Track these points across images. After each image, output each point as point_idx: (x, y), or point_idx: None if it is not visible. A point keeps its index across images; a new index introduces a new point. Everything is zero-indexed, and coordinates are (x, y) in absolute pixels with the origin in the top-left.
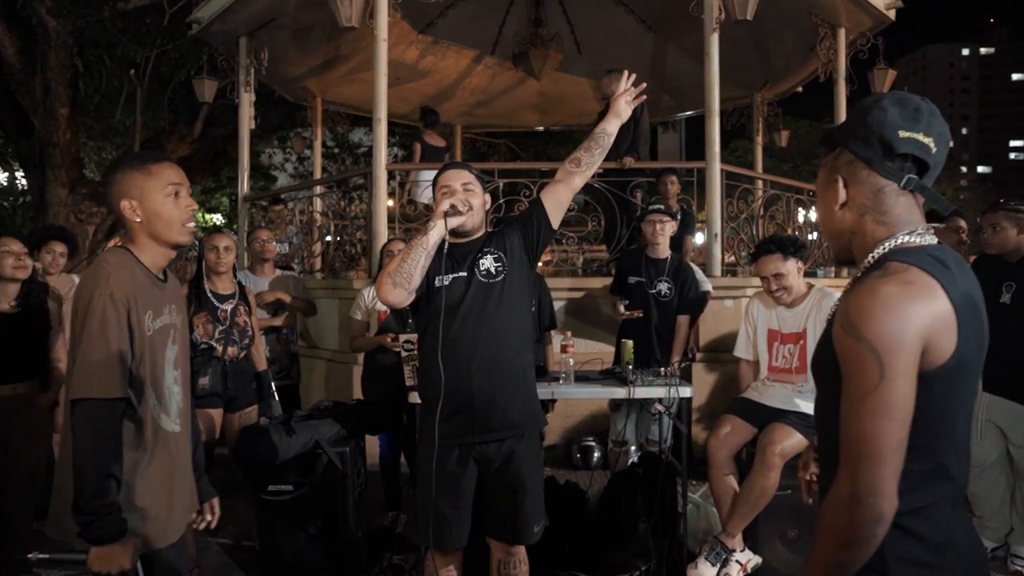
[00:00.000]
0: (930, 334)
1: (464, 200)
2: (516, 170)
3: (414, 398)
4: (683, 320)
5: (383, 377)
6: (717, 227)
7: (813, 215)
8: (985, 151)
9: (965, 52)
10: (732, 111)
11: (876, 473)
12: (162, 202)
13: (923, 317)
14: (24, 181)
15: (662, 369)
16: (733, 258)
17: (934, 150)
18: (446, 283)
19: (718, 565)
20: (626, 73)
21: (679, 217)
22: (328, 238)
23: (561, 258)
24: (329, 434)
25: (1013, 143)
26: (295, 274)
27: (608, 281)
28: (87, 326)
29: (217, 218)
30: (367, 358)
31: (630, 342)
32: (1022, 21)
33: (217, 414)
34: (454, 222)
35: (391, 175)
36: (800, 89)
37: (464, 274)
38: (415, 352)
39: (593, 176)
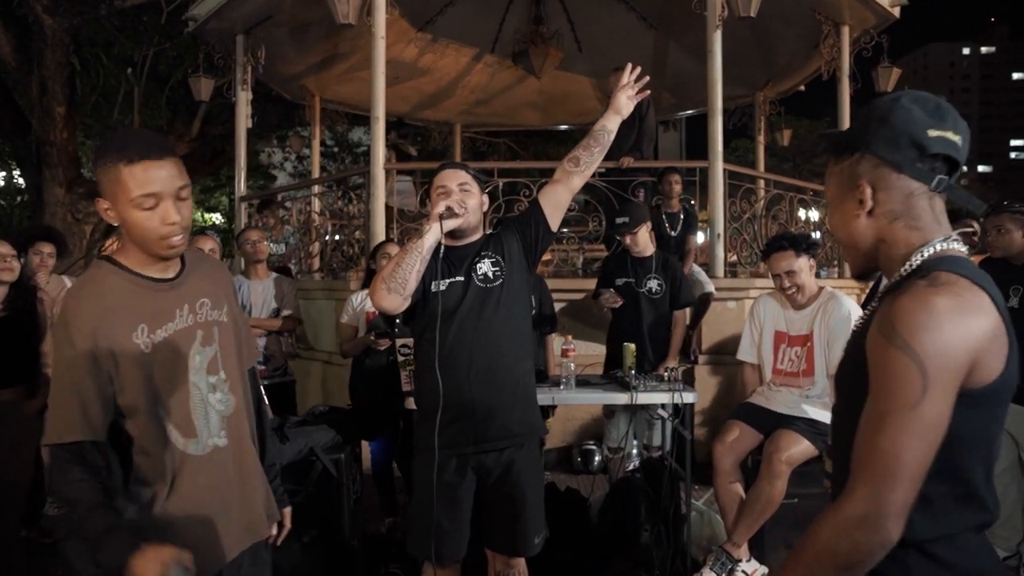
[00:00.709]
0: (979, 352)
1: (460, 201)
2: (516, 170)
3: (411, 404)
4: (679, 315)
5: (372, 382)
6: (720, 227)
7: (815, 215)
8: (986, 150)
9: (966, 51)
10: (734, 110)
11: (897, 495)
12: (131, 213)
13: (975, 333)
14: (22, 180)
15: (665, 374)
16: (735, 258)
17: (962, 148)
18: (442, 288)
19: (723, 575)
20: (629, 67)
21: (681, 217)
22: (327, 238)
23: (561, 258)
24: (324, 440)
25: (1014, 142)
26: (290, 278)
27: None
28: (52, 365)
29: (216, 217)
30: (355, 363)
31: (632, 345)
32: (1022, 20)
33: None
34: (450, 224)
35: (389, 174)
36: (803, 88)
37: (461, 278)
38: (412, 357)
39: (594, 175)
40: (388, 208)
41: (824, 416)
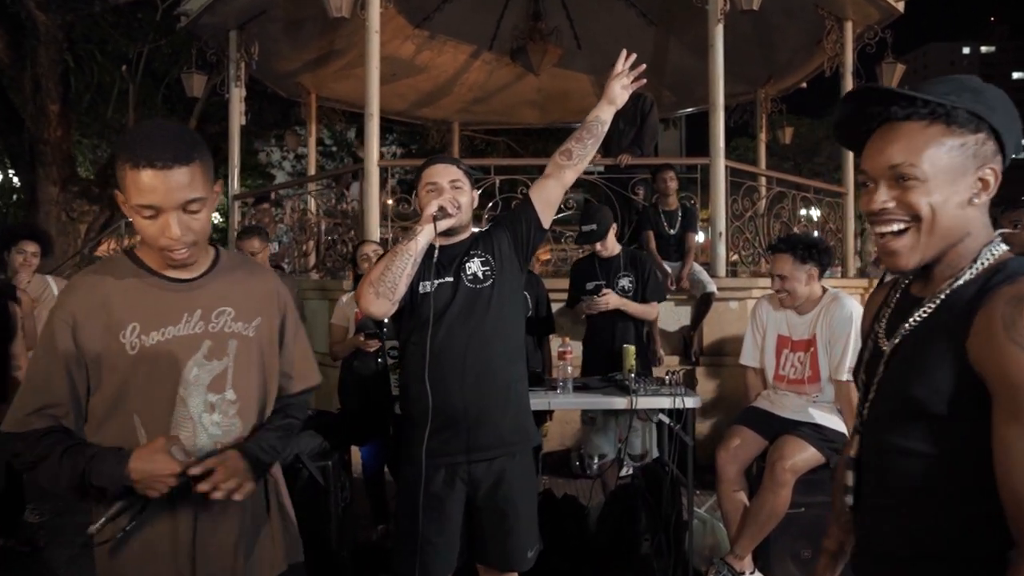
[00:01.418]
0: None
1: (453, 200)
2: (514, 167)
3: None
4: (654, 307)
5: (361, 386)
6: (721, 225)
7: (816, 213)
8: None
9: (966, 51)
10: (735, 108)
11: None
12: (135, 216)
13: None
14: (16, 179)
15: (667, 377)
16: (736, 257)
17: None
18: (431, 289)
19: None
20: (624, 53)
21: (680, 215)
22: (322, 237)
23: (560, 257)
24: (310, 447)
25: None
26: (290, 279)
27: None
28: (35, 348)
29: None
30: (344, 366)
31: (632, 347)
32: (1022, 20)
33: None
34: (444, 225)
35: (384, 171)
36: (804, 85)
37: (450, 279)
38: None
39: (594, 174)
40: (407, 200)
41: (831, 421)
